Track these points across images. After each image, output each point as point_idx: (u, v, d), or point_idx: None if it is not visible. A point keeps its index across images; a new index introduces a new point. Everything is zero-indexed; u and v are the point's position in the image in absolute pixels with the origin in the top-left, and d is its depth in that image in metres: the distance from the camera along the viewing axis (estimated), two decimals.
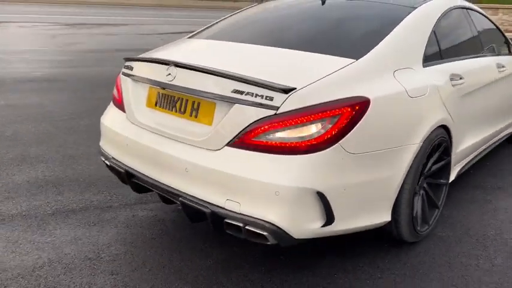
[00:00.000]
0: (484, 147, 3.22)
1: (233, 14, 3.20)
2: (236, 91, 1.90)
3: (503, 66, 3.26)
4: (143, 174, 2.22)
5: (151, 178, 2.18)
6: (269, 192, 1.79)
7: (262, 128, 1.85)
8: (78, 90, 5.81)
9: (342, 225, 1.92)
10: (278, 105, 1.82)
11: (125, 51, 9.52)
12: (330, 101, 1.85)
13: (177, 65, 2.10)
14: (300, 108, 1.82)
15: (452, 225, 2.62)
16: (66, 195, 2.88)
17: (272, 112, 1.83)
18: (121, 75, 2.51)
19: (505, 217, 2.74)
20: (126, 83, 2.44)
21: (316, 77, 1.93)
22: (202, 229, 2.49)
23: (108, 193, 2.94)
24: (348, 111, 1.85)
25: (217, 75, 1.97)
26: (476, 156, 3.11)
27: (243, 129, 1.88)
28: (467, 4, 3.08)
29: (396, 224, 2.20)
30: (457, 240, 2.46)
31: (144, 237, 2.43)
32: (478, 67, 2.91)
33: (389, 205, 2.11)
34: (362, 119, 1.88)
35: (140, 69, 2.36)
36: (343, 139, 1.84)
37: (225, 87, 1.94)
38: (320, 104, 1.83)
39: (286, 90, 1.82)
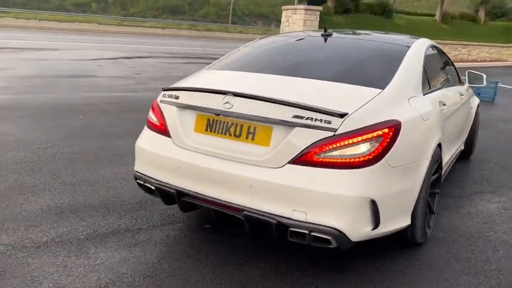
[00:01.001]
0: (452, 161, 3.86)
1: (247, 46, 3.52)
2: (296, 116, 2.22)
3: (462, 95, 3.96)
4: (197, 193, 2.42)
5: (207, 196, 2.38)
6: (334, 202, 2.12)
7: (322, 147, 2.18)
8: (40, 117, 5.63)
9: (383, 228, 2.30)
10: (336, 127, 2.18)
11: (68, 77, 9.28)
12: (374, 124, 2.24)
13: (236, 94, 2.37)
14: (353, 130, 2.19)
15: (442, 228, 3.13)
16: (90, 221, 2.92)
17: (331, 133, 2.18)
18: (161, 104, 2.70)
19: (479, 219, 3.33)
20: (170, 111, 2.63)
21: (359, 104, 2.32)
22: (238, 243, 2.71)
23: (131, 216, 3.02)
24: (388, 132, 2.26)
25: (277, 103, 2.27)
26: (447, 169, 3.72)
27: (305, 148, 2.20)
28: (434, 43, 3.74)
29: (412, 227, 2.62)
30: (451, 239, 2.96)
31: (189, 254, 2.59)
32: (450, 95, 3.54)
33: (410, 211, 2.53)
34: (398, 138, 2.30)
35: (189, 98, 2.57)
36: (387, 155, 2.23)
37: (285, 113, 2.25)
38: (368, 126, 2.22)
39: (342, 115, 2.18)
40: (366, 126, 2.21)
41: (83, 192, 3.38)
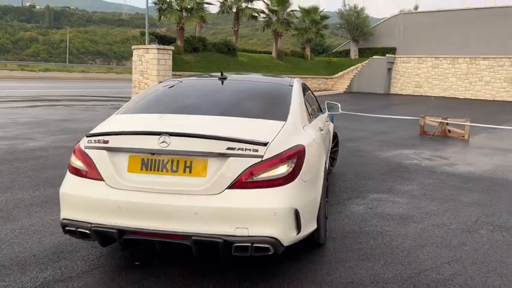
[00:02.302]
0: None
1: (152, 89, 3.76)
2: (229, 148, 2.62)
3: (327, 121, 4.88)
4: (142, 229, 2.60)
5: (152, 230, 2.59)
6: (269, 215, 2.57)
7: (253, 172, 2.63)
8: None
9: (303, 232, 2.82)
10: (262, 154, 2.65)
11: None
12: (289, 148, 2.77)
13: (171, 134, 2.65)
14: (275, 155, 2.68)
15: (332, 230, 3.83)
16: (10, 280, 2.76)
17: (259, 159, 2.64)
18: (87, 150, 2.80)
19: (356, 219, 4.16)
20: (99, 155, 2.76)
21: (274, 134, 2.83)
22: (172, 273, 2.93)
23: (54, 267, 2.95)
24: (300, 154, 2.83)
25: (212, 139, 2.64)
26: None
27: (239, 174, 2.61)
28: (302, 81, 4.57)
29: (318, 230, 3.21)
30: (342, 237, 3.67)
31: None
32: (321, 122, 4.35)
33: (316, 216, 3.13)
34: (305, 158, 2.88)
35: (120, 141, 2.74)
36: (301, 172, 2.79)
37: (219, 147, 2.63)
38: (285, 151, 2.74)
39: (265, 143, 2.67)
40: (283, 151, 2.73)
41: None
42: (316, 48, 32.67)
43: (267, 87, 3.89)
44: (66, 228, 2.77)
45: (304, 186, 2.82)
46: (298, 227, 2.74)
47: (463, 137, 10.00)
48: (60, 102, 15.90)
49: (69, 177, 2.88)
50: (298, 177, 2.75)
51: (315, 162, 3.13)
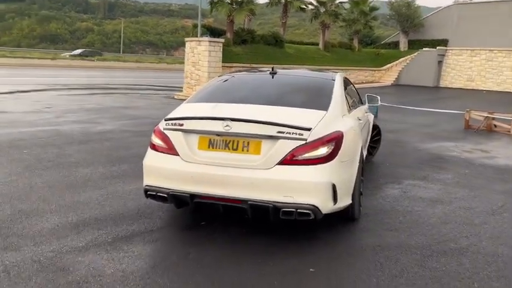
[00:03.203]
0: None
1: (214, 82, 4.49)
2: (279, 132, 3.27)
3: (366, 112, 5.42)
4: (209, 194, 3.31)
5: (217, 195, 3.30)
6: (311, 187, 3.20)
7: (298, 152, 3.26)
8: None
9: (339, 204, 3.42)
10: (306, 137, 3.27)
11: None
12: (329, 133, 3.38)
13: (233, 119, 3.32)
14: (317, 139, 3.30)
15: (366, 208, 4.39)
16: (107, 230, 3.58)
17: (303, 142, 3.26)
18: (166, 131, 3.53)
19: (389, 200, 4.71)
20: (176, 135, 3.48)
21: (316, 121, 3.44)
22: (232, 232, 3.64)
23: (138, 223, 3.75)
24: (338, 138, 3.43)
25: (266, 124, 3.29)
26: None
27: (287, 154, 3.25)
28: (345, 75, 5.12)
29: (352, 206, 3.80)
30: (374, 213, 4.24)
31: (198, 242, 3.44)
32: (361, 112, 4.91)
33: (351, 193, 3.71)
34: (343, 142, 3.48)
35: (193, 124, 3.46)
36: (339, 153, 3.39)
37: (271, 131, 3.28)
38: (325, 135, 3.35)
39: (309, 129, 3.30)
40: (324, 136, 3.34)
41: (82, 211, 3.98)
42: (365, 39, 32.49)
43: (312, 81, 4.50)
44: (148, 192, 3.53)
45: (341, 165, 3.42)
46: (335, 199, 3.33)
47: (509, 132, 10.10)
48: (117, 91, 17.18)
49: (151, 152, 3.63)
50: (336, 157, 3.34)
51: (352, 147, 3.71)
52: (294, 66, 20.24)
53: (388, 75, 27.61)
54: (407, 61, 27.78)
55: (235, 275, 2.90)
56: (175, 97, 15.49)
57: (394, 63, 27.88)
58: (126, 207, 4.13)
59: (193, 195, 3.36)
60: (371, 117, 6.34)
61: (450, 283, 2.87)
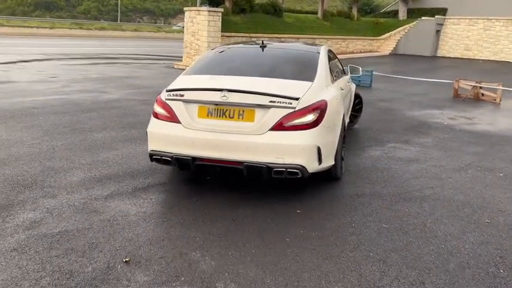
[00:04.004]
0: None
1: (209, 54, 5.02)
2: (271, 101, 3.79)
3: (348, 82, 5.99)
4: (208, 157, 3.84)
5: (215, 158, 3.82)
6: (299, 149, 3.76)
7: (288, 119, 3.79)
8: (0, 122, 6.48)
9: (323, 164, 3.99)
10: (295, 106, 3.82)
11: None
12: (315, 102, 3.94)
13: (230, 90, 3.82)
14: (305, 107, 3.84)
15: (350, 166, 5.07)
16: (126, 182, 4.25)
17: (292, 110, 3.79)
18: (168, 101, 3.97)
19: (371, 159, 5.37)
20: (177, 105, 3.92)
21: (303, 91, 3.97)
22: (230, 187, 4.31)
23: (152, 178, 4.42)
24: (323, 106, 4.01)
25: (258, 94, 3.82)
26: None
27: (278, 121, 3.78)
28: (329, 47, 5.65)
29: (335, 167, 4.40)
30: (357, 170, 4.91)
31: (203, 191, 4.12)
32: (343, 83, 5.47)
33: (334, 155, 4.32)
34: (327, 110, 4.07)
35: (192, 95, 3.92)
36: (323, 120, 3.96)
37: (264, 100, 3.80)
38: (312, 104, 3.90)
39: (297, 98, 3.87)
40: (310, 104, 3.89)
41: (103, 168, 4.64)
42: (364, 8, 32.54)
43: (299, 54, 5.04)
44: (153, 157, 4.00)
45: (325, 130, 3.96)
46: (320, 160, 3.89)
47: (495, 100, 10.71)
48: (118, 60, 17.62)
49: (154, 120, 4.08)
50: (321, 123, 3.86)
51: (335, 114, 4.26)
52: (292, 36, 20.62)
53: (387, 44, 27.91)
54: (406, 30, 28.02)
55: (234, 215, 3.58)
56: (175, 66, 15.96)
57: (393, 32, 28.13)
58: (140, 165, 4.79)
59: (194, 158, 3.84)
60: (353, 86, 6.80)
61: (409, 220, 3.57)
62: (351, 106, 6.54)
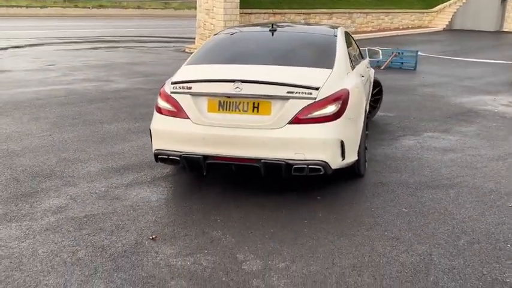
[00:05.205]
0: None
1: (213, 41, 5.58)
2: (289, 92, 4.16)
3: (367, 67, 6.66)
4: (222, 155, 4.20)
5: (229, 156, 4.20)
6: (320, 144, 4.34)
7: (308, 111, 4.33)
8: (7, 114, 7.48)
9: (346, 160, 4.52)
10: (315, 96, 4.37)
11: None
12: (336, 92, 4.48)
13: (243, 81, 4.16)
14: (325, 97, 4.38)
15: (378, 155, 5.82)
16: (144, 172, 5.14)
17: (312, 101, 4.23)
18: (174, 95, 4.36)
19: (402, 149, 6.12)
20: (184, 99, 4.31)
21: (323, 80, 4.51)
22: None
23: (165, 168, 5.29)
24: (345, 96, 4.61)
25: (275, 84, 4.35)
26: None
27: (297, 113, 4.15)
28: (345, 29, 6.32)
29: (358, 162, 4.95)
30: (385, 159, 5.66)
31: (216, 182, 4.96)
32: (362, 69, 6.09)
33: (357, 149, 4.87)
34: (349, 100, 4.71)
35: (201, 87, 4.33)
36: (346, 111, 4.52)
37: (281, 91, 4.19)
38: (333, 93, 4.43)
39: (317, 88, 4.43)
40: (331, 94, 4.23)
41: (119, 159, 5.54)
42: None
43: (314, 38, 5.60)
44: (159, 156, 4.42)
45: (348, 122, 4.36)
46: (343, 155, 4.30)
47: None
48: (120, 44, 18.75)
49: (158, 116, 4.51)
50: (343, 115, 4.26)
51: (357, 103, 4.70)
52: (323, 12, 21.33)
53: (440, 18, 28.27)
54: (464, 0, 28.27)
55: (255, 201, 4.39)
56: (187, 50, 16.93)
57: (448, 3, 28.45)
58: None
59: (206, 157, 4.22)
60: (372, 72, 7.30)
61: (430, 205, 4.33)
62: (370, 95, 6.91)
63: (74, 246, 3.56)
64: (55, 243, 3.60)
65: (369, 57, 7.13)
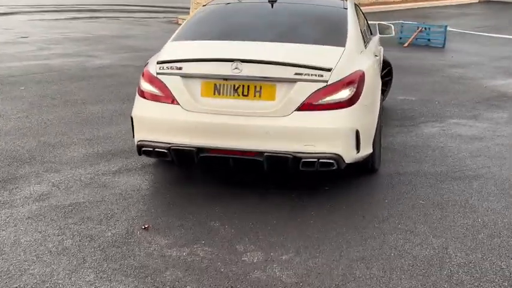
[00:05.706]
0: None
1: (203, 13, 5.61)
2: (297, 73, 4.15)
3: (379, 45, 6.86)
4: (217, 147, 4.19)
5: (226, 148, 4.19)
6: (333, 134, 4.40)
7: (319, 95, 4.20)
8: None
9: (361, 153, 4.56)
10: (327, 79, 4.22)
11: None
12: (349, 74, 4.50)
13: (243, 60, 4.13)
14: (339, 80, 4.31)
15: (397, 143, 6.07)
16: (133, 159, 5.41)
17: (324, 84, 4.18)
18: (161, 76, 4.32)
19: (424, 137, 6.37)
20: (173, 81, 4.27)
21: (335, 59, 4.53)
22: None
23: None
24: (360, 79, 4.66)
25: (281, 65, 4.19)
26: None
27: (306, 98, 4.15)
28: (354, 1, 6.39)
29: (373, 155, 4.89)
30: (403, 148, 5.91)
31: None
32: (374, 46, 6.20)
33: (372, 141, 4.95)
34: (364, 83, 4.81)
35: (193, 67, 4.30)
36: (361, 96, 4.59)
37: (288, 72, 4.18)
38: (347, 76, 4.47)
39: (329, 69, 4.47)
40: (346, 76, 4.26)
41: (106, 143, 5.81)
42: None
43: (321, 10, 5.65)
44: (143, 149, 4.41)
45: (364, 109, 4.42)
46: (358, 147, 4.33)
47: None
48: (104, 14, 19.03)
49: (141, 101, 4.48)
50: (358, 101, 4.30)
51: (373, 87, 4.84)
52: None
53: None
54: None
55: (258, 191, 4.66)
56: (180, 22, 17.08)
57: None
58: None
59: (199, 149, 4.21)
60: (382, 50, 7.42)
61: (450, 197, 4.60)
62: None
63: (60, 235, 3.83)
64: (39, 231, 3.88)
65: (379, 34, 7.25)
